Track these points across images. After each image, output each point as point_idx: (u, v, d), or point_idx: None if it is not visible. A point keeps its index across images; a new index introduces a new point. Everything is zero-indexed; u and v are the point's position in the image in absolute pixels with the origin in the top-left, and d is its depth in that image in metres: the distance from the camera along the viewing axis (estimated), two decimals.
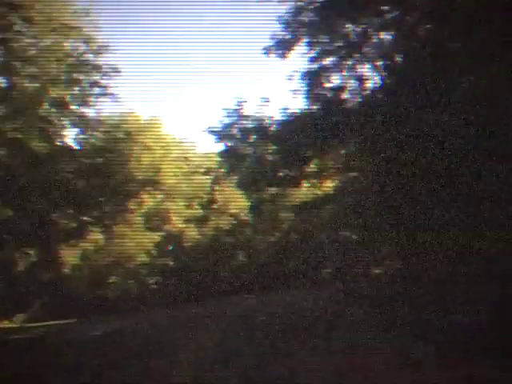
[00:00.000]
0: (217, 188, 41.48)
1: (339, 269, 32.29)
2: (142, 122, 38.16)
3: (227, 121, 33.11)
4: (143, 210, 36.34)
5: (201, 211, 39.54)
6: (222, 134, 33.81)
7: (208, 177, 42.51)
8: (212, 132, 33.48)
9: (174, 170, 39.28)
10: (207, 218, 39.38)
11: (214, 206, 40.54)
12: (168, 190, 37.72)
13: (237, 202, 40.41)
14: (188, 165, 42.27)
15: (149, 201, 36.28)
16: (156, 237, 36.20)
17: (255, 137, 32.93)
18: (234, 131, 33.70)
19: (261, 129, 31.95)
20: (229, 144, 34.55)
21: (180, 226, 37.66)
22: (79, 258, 33.26)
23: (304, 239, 37.60)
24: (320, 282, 35.87)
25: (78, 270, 33.25)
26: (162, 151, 37.73)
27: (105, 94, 31.90)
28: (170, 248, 36.60)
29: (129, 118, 37.90)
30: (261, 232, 40.64)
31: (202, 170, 42.88)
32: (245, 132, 33.27)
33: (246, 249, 40.24)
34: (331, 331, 16.76)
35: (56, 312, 30.19)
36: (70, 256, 32.57)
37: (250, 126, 32.77)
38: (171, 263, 36.90)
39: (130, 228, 35.08)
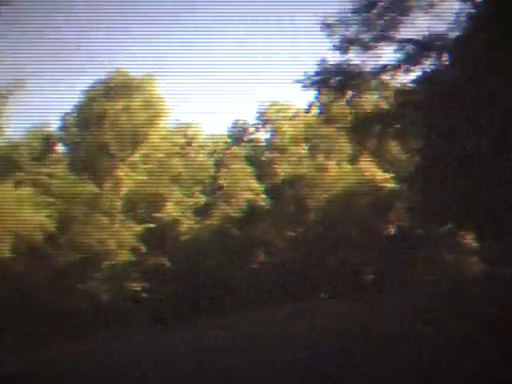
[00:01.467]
0: (224, 170, 31.96)
1: None
2: (129, 79, 28.74)
3: None
4: (123, 192, 26.58)
5: (203, 197, 29.86)
6: None
7: (212, 158, 33.22)
8: None
9: (167, 143, 29.78)
10: (212, 205, 29.67)
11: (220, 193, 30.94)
12: (157, 167, 28.11)
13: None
14: (188, 143, 32.99)
15: (130, 180, 26.55)
16: (140, 228, 26.40)
17: None
18: None
19: None
20: None
21: (175, 214, 27.88)
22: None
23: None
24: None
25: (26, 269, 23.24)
26: (151, 116, 28.20)
27: None
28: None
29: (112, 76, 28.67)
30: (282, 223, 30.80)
31: (205, 152, 33.57)
32: None
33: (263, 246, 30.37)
34: None
35: None
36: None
37: None
38: (165, 264, 27.01)
39: (105, 215, 25.29)
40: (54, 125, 29.06)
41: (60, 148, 28.08)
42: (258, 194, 30.80)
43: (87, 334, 21.73)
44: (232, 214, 29.81)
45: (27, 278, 23.01)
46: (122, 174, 26.41)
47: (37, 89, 31.95)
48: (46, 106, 27.13)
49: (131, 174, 26.90)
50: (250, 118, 39.94)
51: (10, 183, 23.35)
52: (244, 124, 37.27)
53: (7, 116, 25.84)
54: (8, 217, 22.50)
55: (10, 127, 27.41)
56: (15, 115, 27.33)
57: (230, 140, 36.30)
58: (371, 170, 33.28)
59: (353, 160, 34.11)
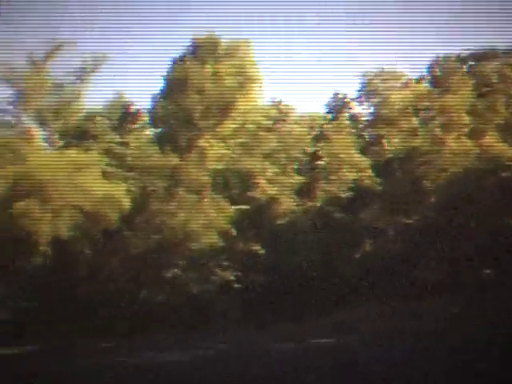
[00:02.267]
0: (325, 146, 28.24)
1: None
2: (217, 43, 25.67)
3: None
4: (211, 167, 23.27)
5: (300, 175, 26.26)
6: None
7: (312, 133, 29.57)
8: None
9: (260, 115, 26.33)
10: (311, 184, 26.00)
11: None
12: (249, 140, 24.74)
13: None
14: (284, 117, 29.63)
15: (217, 155, 23.21)
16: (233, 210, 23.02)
17: None
18: None
19: None
20: None
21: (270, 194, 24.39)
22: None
23: None
24: None
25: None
26: (242, 82, 24.84)
27: None
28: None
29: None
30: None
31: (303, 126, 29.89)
32: None
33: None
34: None
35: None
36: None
37: None
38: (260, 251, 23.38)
39: (190, 193, 22.07)
40: (137, 95, 26.69)
41: (143, 118, 25.48)
42: (363, 171, 26.94)
43: (169, 329, 18.59)
44: (335, 195, 26.11)
45: (101, 265, 20.08)
46: (209, 146, 23.13)
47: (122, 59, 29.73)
48: (130, 75, 24.81)
49: (218, 147, 23.60)
50: (352, 89, 36.21)
51: (87, 153, 20.65)
52: (345, 97, 33.58)
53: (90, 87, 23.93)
54: (80, 191, 19.69)
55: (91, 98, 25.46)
56: (99, 86, 25.02)
57: (330, 113, 32.76)
58: (497, 146, 29.11)
59: (474, 134, 29.97)
